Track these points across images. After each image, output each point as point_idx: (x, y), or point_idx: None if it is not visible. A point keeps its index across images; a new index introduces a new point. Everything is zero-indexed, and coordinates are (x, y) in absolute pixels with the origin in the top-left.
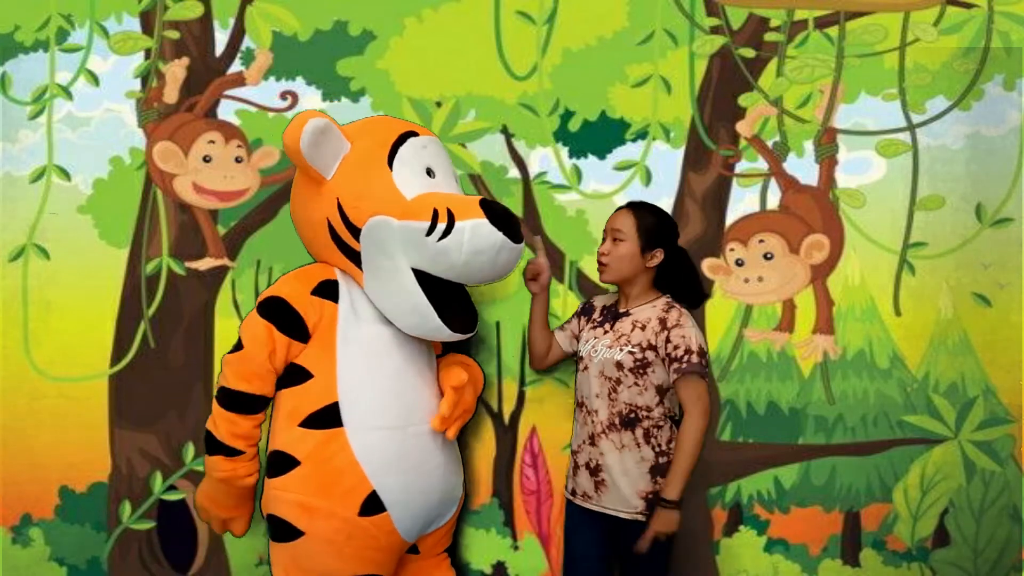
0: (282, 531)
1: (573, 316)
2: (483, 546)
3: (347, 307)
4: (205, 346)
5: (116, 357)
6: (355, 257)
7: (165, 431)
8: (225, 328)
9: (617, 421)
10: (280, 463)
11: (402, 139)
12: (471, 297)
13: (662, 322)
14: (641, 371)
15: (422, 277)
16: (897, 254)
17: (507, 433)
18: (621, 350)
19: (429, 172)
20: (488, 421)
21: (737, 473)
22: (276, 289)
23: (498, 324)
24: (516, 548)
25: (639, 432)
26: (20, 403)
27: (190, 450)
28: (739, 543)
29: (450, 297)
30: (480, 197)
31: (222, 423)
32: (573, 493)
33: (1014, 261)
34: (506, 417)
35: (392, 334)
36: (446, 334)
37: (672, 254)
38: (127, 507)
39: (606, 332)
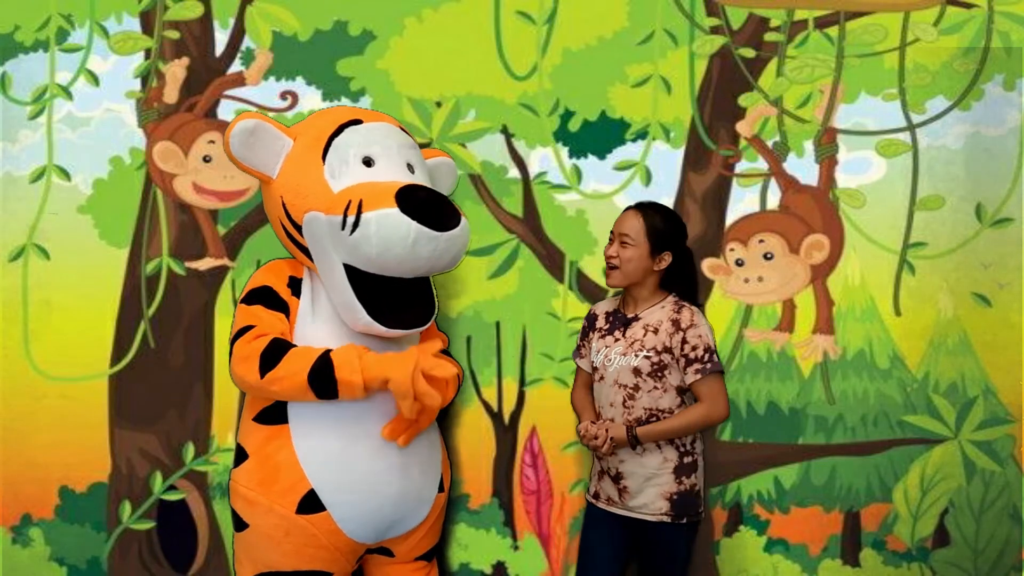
0: (236, 521)
1: (581, 335)
2: (483, 546)
3: (306, 304)
4: (205, 346)
5: (116, 357)
6: (309, 254)
7: (165, 431)
8: (225, 328)
9: None
10: (238, 455)
11: (339, 130)
12: (432, 290)
13: (675, 323)
14: (659, 374)
15: (354, 272)
16: (897, 254)
17: (507, 433)
18: (636, 356)
19: (367, 161)
20: (488, 421)
21: (737, 473)
22: (254, 281)
23: (498, 324)
24: (516, 548)
25: None
26: (20, 403)
27: (190, 450)
28: (739, 543)
29: (391, 292)
30: (406, 184)
31: (290, 378)
32: (596, 496)
33: (1014, 261)
34: (506, 417)
35: (345, 333)
36: (379, 330)
37: (680, 255)
38: (127, 507)
39: (617, 340)
